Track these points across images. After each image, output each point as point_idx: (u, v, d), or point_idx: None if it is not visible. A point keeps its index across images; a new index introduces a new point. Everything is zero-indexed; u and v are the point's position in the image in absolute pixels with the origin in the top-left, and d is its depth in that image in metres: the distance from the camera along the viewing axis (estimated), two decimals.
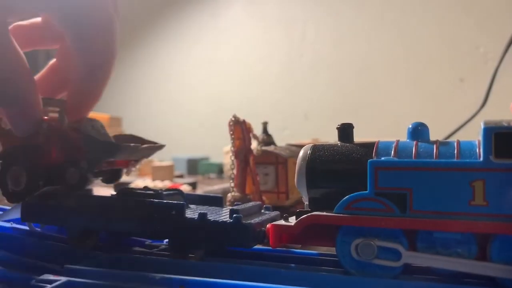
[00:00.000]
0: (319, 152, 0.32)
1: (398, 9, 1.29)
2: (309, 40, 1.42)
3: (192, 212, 0.33)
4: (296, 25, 1.44)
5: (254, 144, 0.55)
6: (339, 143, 0.33)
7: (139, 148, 0.36)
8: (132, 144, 0.35)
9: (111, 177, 0.39)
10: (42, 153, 0.36)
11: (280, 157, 0.55)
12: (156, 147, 0.38)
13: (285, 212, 0.46)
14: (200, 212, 0.32)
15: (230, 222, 0.31)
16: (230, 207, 0.35)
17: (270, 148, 0.57)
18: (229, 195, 0.50)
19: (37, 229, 0.40)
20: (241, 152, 0.50)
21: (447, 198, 0.27)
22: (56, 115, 0.37)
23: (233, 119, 0.50)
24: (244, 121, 0.51)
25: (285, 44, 1.44)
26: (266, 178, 0.55)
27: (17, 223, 0.43)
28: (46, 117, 0.36)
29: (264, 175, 0.55)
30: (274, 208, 0.44)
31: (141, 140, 0.38)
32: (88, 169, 0.34)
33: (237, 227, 0.31)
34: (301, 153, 0.33)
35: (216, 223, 0.31)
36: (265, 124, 0.64)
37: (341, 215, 0.29)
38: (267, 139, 0.61)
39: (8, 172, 0.35)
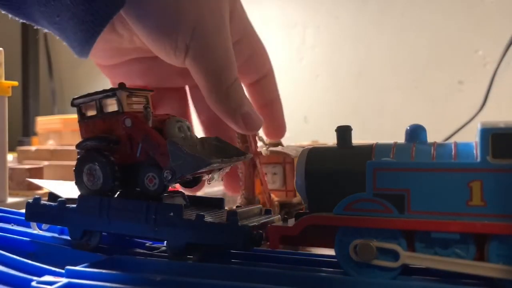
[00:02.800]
0: (317, 154, 0.33)
1: (397, 13, 1.29)
2: (309, 44, 1.43)
3: (191, 214, 0.34)
4: (296, 29, 1.44)
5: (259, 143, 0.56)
6: (337, 145, 0.33)
7: (227, 162, 0.34)
8: (221, 160, 0.33)
9: (189, 183, 0.38)
10: (121, 152, 0.35)
11: (287, 156, 0.56)
12: (242, 158, 0.36)
13: (293, 209, 0.47)
14: (198, 214, 0.32)
15: (226, 224, 0.31)
16: (228, 209, 0.35)
17: (278, 148, 0.58)
18: (238, 197, 0.51)
19: (40, 229, 0.40)
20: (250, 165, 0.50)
21: (445, 199, 0.27)
22: (139, 107, 0.36)
23: None
24: None
25: (285, 48, 1.45)
26: (274, 177, 0.56)
27: (17, 224, 0.43)
28: (129, 111, 0.35)
29: (273, 174, 0.56)
30: (282, 205, 0.44)
31: (226, 145, 0.37)
32: (170, 180, 0.32)
33: (233, 229, 0.31)
34: (299, 155, 0.33)
35: (212, 224, 0.32)
36: None
37: (340, 216, 0.29)
38: (274, 141, 0.62)
39: (83, 168, 0.35)
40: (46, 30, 0.37)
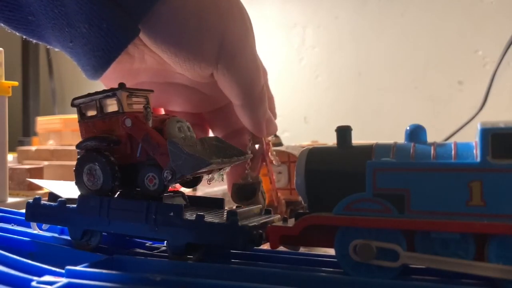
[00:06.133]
0: (317, 154, 0.33)
1: (397, 13, 1.29)
2: (308, 44, 1.43)
3: (191, 214, 0.34)
4: (296, 29, 1.44)
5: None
6: (337, 145, 0.33)
7: (227, 162, 0.34)
8: (221, 160, 0.33)
9: (190, 182, 0.38)
10: (121, 152, 0.35)
11: (291, 155, 0.57)
12: (242, 158, 0.36)
13: (299, 207, 0.47)
14: (198, 214, 0.32)
15: (226, 224, 0.31)
16: (228, 209, 0.35)
17: (282, 148, 0.59)
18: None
19: (40, 229, 0.40)
20: (259, 151, 0.51)
21: (444, 199, 0.27)
22: (139, 107, 0.36)
23: None
24: None
25: (285, 48, 1.45)
26: (279, 176, 0.57)
27: (18, 224, 0.43)
28: (129, 111, 0.35)
29: (278, 173, 0.57)
30: (288, 203, 0.45)
31: (226, 145, 0.37)
32: (170, 180, 0.32)
33: (233, 229, 0.31)
34: (299, 155, 0.33)
35: (212, 224, 0.32)
36: None
37: (340, 216, 0.29)
38: (276, 141, 0.62)
39: (84, 168, 0.35)
40: (57, 50, 0.37)
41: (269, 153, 0.51)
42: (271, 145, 0.52)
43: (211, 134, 0.46)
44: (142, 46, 0.37)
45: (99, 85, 0.39)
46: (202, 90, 0.41)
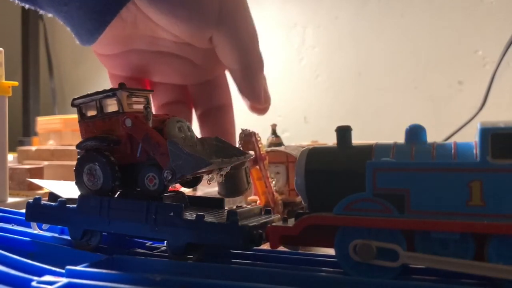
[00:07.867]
0: (317, 154, 0.33)
1: (397, 13, 1.29)
2: (308, 44, 1.42)
3: (191, 214, 0.34)
4: (296, 29, 1.44)
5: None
6: (337, 145, 0.33)
7: (227, 162, 0.34)
8: (221, 160, 0.33)
9: (190, 182, 0.38)
10: (121, 152, 0.35)
11: (290, 156, 0.57)
12: (242, 158, 0.36)
13: (296, 207, 0.47)
14: (198, 214, 0.32)
15: (226, 224, 0.31)
16: (228, 209, 0.35)
17: (281, 148, 0.59)
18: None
19: (40, 229, 0.40)
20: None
21: (444, 199, 0.27)
22: (139, 107, 0.36)
23: (241, 130, 0.50)
24: (254, 133, 0.51)
25: (285, 48, 1.45)
26: (277, 176, 0.57)
27: (18, 224, 0.43)
28: (129, 111, 0.35)
29: (276, 173, 0.57)
30: (286, 204, 0.44)
31: (226, 145, 0.37)
32: (170, 180, 0.32)
33: (233, 229, 0.31)
34: (299, 155, 0.33)
35: (212, 224, 0.32)
36: (274, 126, 0.65)
37: (340, 216, 0.29)
38: (277, 141, 0.62)
39: (84, 168, 0.35)
40: (50, 15, 0.37)
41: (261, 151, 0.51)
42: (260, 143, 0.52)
43: (194, 117, 0.45)
44: (135, 9, 0.36)
45: (100, 85, 0.39)
46: (193, 59, 0.41)
